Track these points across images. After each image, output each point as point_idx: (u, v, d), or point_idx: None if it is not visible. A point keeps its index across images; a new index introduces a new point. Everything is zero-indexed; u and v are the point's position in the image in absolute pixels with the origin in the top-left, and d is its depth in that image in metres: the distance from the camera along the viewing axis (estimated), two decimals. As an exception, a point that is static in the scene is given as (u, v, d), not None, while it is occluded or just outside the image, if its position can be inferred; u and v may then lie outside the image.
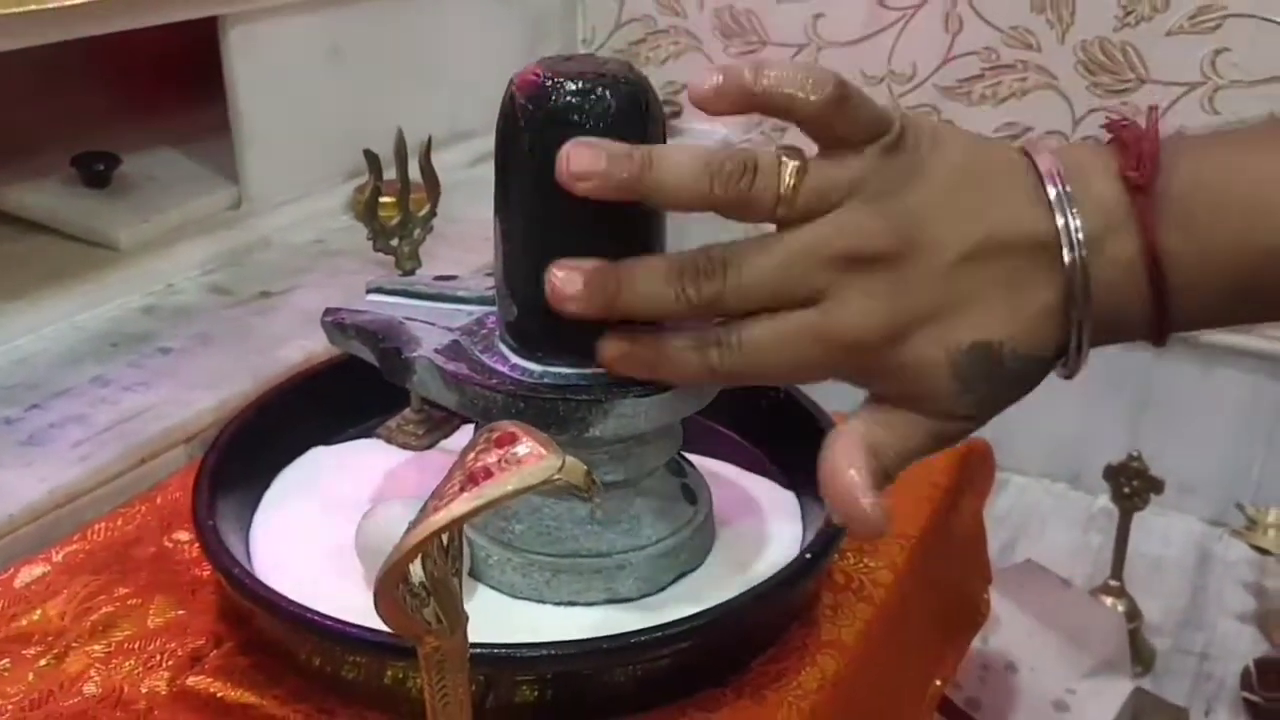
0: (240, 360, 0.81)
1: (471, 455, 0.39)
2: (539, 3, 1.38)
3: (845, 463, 0.42)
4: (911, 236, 0.40)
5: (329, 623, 0.51)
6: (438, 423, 0.72)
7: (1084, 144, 0.43)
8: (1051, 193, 0.40)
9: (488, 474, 0.38)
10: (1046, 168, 0.40)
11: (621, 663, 0.51)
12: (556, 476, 0.38)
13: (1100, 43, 1.21)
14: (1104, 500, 1.29)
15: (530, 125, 0.52)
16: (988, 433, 1.49)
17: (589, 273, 0.45)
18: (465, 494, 0.38)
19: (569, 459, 0.39)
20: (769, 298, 0.42)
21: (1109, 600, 1.07)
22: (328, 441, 0.70)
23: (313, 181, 1.08)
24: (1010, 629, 0.94)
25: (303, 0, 1.02)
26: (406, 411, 0.72)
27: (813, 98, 0.41)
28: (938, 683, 0.71)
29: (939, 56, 1.29)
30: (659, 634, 0.51)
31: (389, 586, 0.39)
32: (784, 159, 0.43)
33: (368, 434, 0.72)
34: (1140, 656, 1.06)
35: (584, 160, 0.44)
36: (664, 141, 0.55)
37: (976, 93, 1.29)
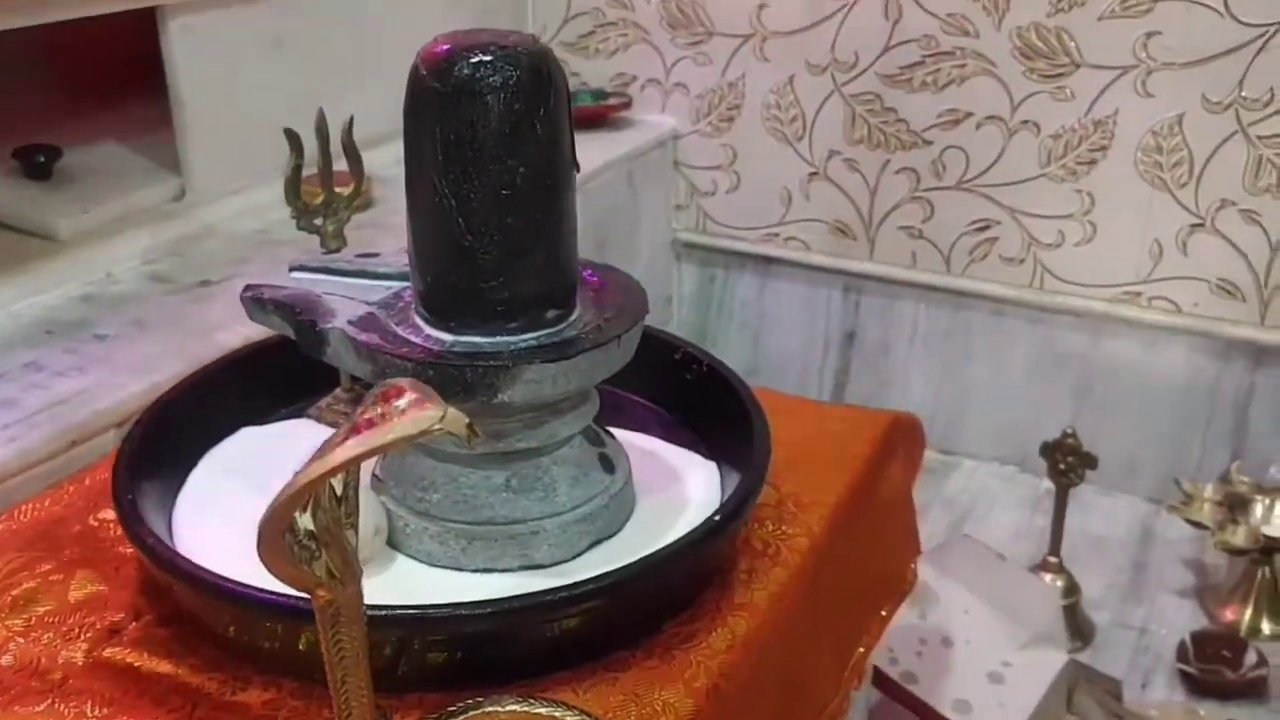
0: (176, 346, 0.81)
1: (361, 409, 0.40)
2: (488, -3, 1.39)
3: None
4: None
5: (241, 589, 0.52)
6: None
7: None
8: None
9: (370, 424, 0.39)
10: None
11: (530, 622, 0.52)
12: (437, 426, 0.39)
13: (1035, 28, 1.23)
14: (1049, 483, 1.31)
15: (435, 97, 0.53)
16: (942, 416, 1.51)
17: None
18: (348, 442, 0.39)
19: (451, 410, 0.40)
20: None
21: (1048, 576, 1.09)
22: (258, 421, 0.71)
23: (257, 173, 1.08)
24: (946, 604, 0.96)
25: (244, -8, 1.03)
26: (337, 391, 0.73)
27: None
28: (860, 650, 0.72)
29: (880, 45, 1.31)
30: (566, 593, 0.52)
31: (272, 533, 0.40)
32: None
33: (299, 414, 0.72)
34: (1079, 631, 1.08)
35: None
36: (569, 113, 0.56)
37: (917, 80, 1.31)
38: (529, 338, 0.56)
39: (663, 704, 0.52)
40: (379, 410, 0.40)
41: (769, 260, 1.46)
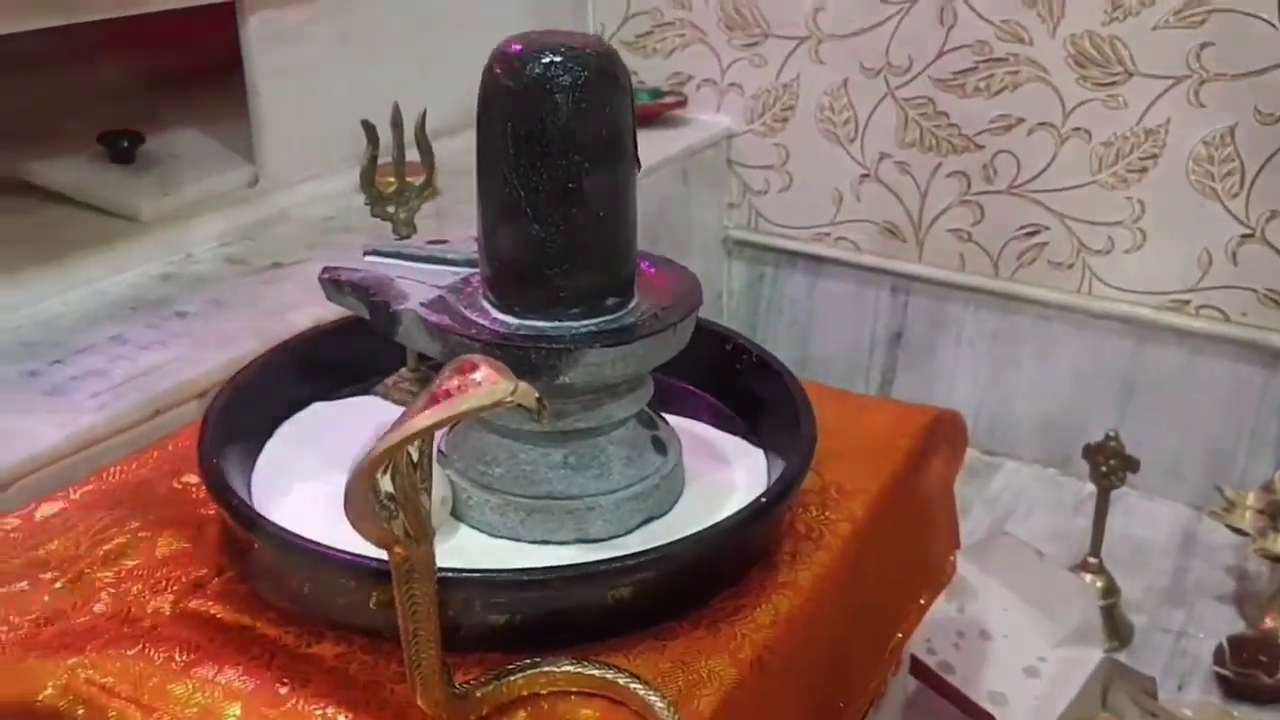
0: (251, 324, 0.86)
1: (438, 381, 0.44)
2: (550, -4, 1.43)
3: None
4: None
5: (318, 548, 0.55)
6: (430, 381, 0.77)
7: None
8: None
9: (448, 394, 0.43)
10: None
11: (587, 590, 0.56)
12: (509, 398, 0.42)
13: (1089, 36, 1.24)
14: (1093, 486, 1.32)
15: (507, 93, 0.56)
16: (986, 417, 1.52)
17: None
18: (427, 411, 0.42)
19: (522, 384, 0.43)
20: None
21: (1088, 576, 1.10)
22: (329, 397, 0.75)
23: (327, 162, 1.13)
24: (985, 598, 0.98)
25: (319, -13, 1.07)
26: (403, 370, 0.76)
27: None
28: (899, 635, 0.74)
29: (934, 49, 1.33)
30: (621, 564, 0.55)
31: (357, 493, 0.43)
32: None
33: (366, 392, 0.76)
34: (1117, 631, 1.09)
35: None
36: (632, 111, 0.59)
37: (970, 85, 1.32)
38: (589, 323, 0.59)
39: (708, 672, 0.55)
40: (455, 382, 0.43)
41: (819, 259, 1.48)
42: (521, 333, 0.58)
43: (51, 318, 0.85)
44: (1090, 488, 1.26)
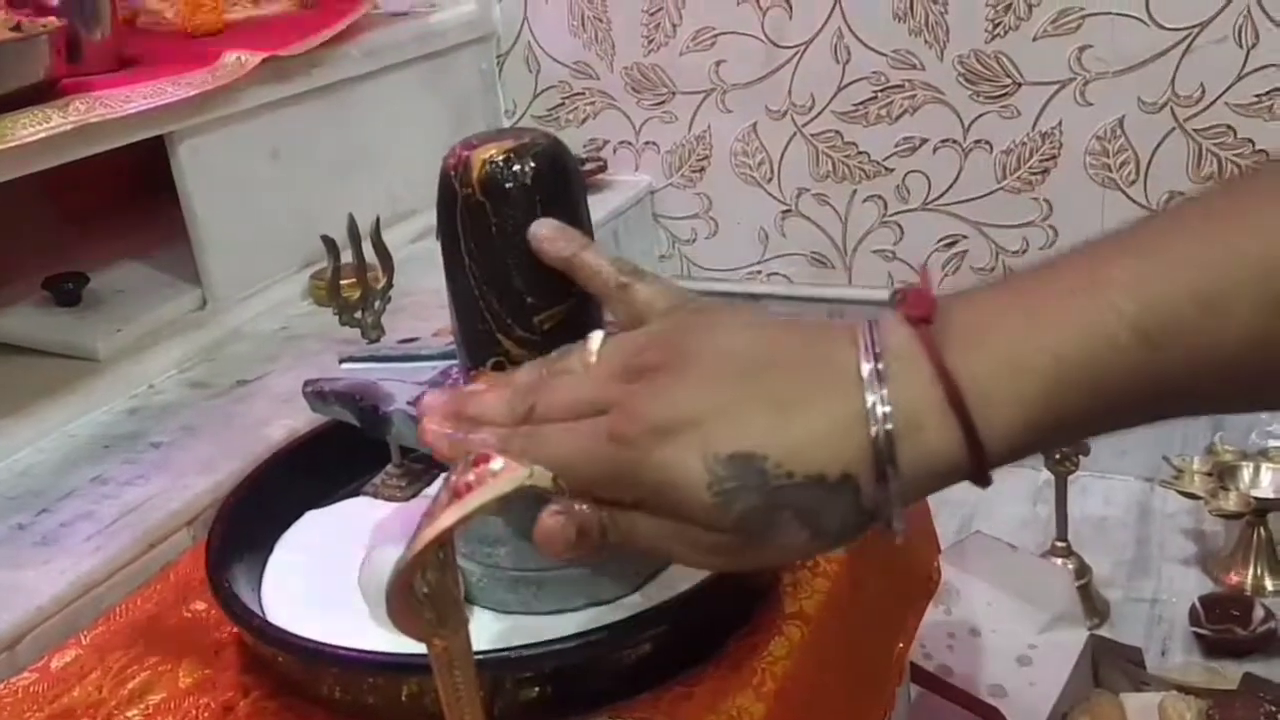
0: (228, 445, 0.87)
1: (454, 477, 0.46)
2: (460, 84, 1.47)
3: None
4: (684, 348, 0.42)
5: (345, 653, 0.57)
6: (417, 474, 0.79)
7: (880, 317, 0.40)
8: (854, 338, 0.39)
9: (469, 488, 0.45)
10: (840, 325, 0.40)
11: (609, 650, 0.58)
12: (528, 482, 0.45)
13: (975, 54, 1.32)
14: (1047, 474, 1.38)
15: (461, 198, 0.59)
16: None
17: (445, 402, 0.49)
18: (452, 507, 0.45)
19: (536, 468, 0.46)
20: (568, 410, 0.45)
21: (1059, 560, 1.15)
22: (320, 504, 0.76)
23: (270, 274, 1.15)
24: (968, 598, 1.02)
25: (241, 110, 1.10)
26: (389, 467, 0.78)
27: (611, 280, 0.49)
28: (900, 645, 0.78)
29: (833, 85, 1.39)
30: (637, 620, 0.58)
31: (399, 594, 0.45)
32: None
33: (355, 494, 0.78)
34: (1094, 608, 1.14)
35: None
36: (584, 196, 0.62)
37: (872, 114, 1.39)
38: (571, 397, 0.62)
39: (737, 710, 0.58)
40: (472, 475, 0.46)
41: (754, 297, 1.53)
42: (510, 417, 0.61)
43: (27, 468, 0.85)
44: (1046, 475, 1.32)
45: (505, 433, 0.47)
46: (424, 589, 0.47)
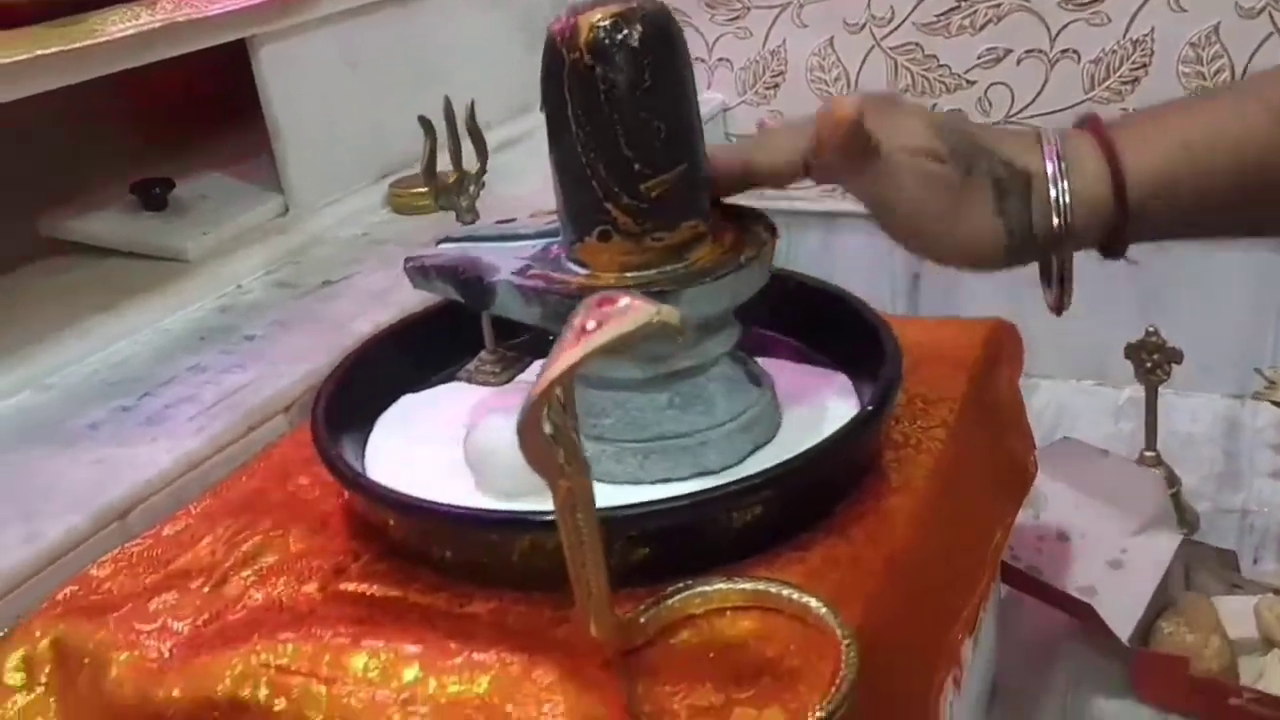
0: (318, 339, 0.88)
1: (578, 319, 0.46)
2: (529, 4, 1.46)
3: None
4: None
5: (461, 511, 0.58)
6: (511, 361, 0.79)
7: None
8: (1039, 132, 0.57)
9: (599, 324, 0.45)
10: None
11: (721, 511, 0.58)
12: (656, 319, 0.45)
13: (1066, -44, 1.28)
14: (1129, 391, 1.36)
15: (567, 64, 0.58)
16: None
17: None
18: (582, 340, 0.44)
19: (664, 306, 0.45)
20: None
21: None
22: (416, 388, 0.77)
23: (349, 183, 1.15)
24: (1057, 503, 1.01)
25: (319, 17, 1.10)
26: (482, 353, 0.79)
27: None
28: (999, 536, 0.77)
29: (915, -4, 1.36)
30: (749, 482, 0.58)
31: (530, 429, 0.45)
32: None
33: (449, 379, 0.78)
34: (1184, 519, 1.12)
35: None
36: (689, 64, 0.61)
37: (955, 24, 1.36)
38: (675, 268, 0.62)
39: (850, 575, 0.57)
40: (596, 315, 0.45)
41: (830, 215, 1.51)
42: (622, 283, 0.61)
43: (125, 359, 0.87)
44: (1127, 393, 1.30)
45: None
46: (549, 429, 0.47)
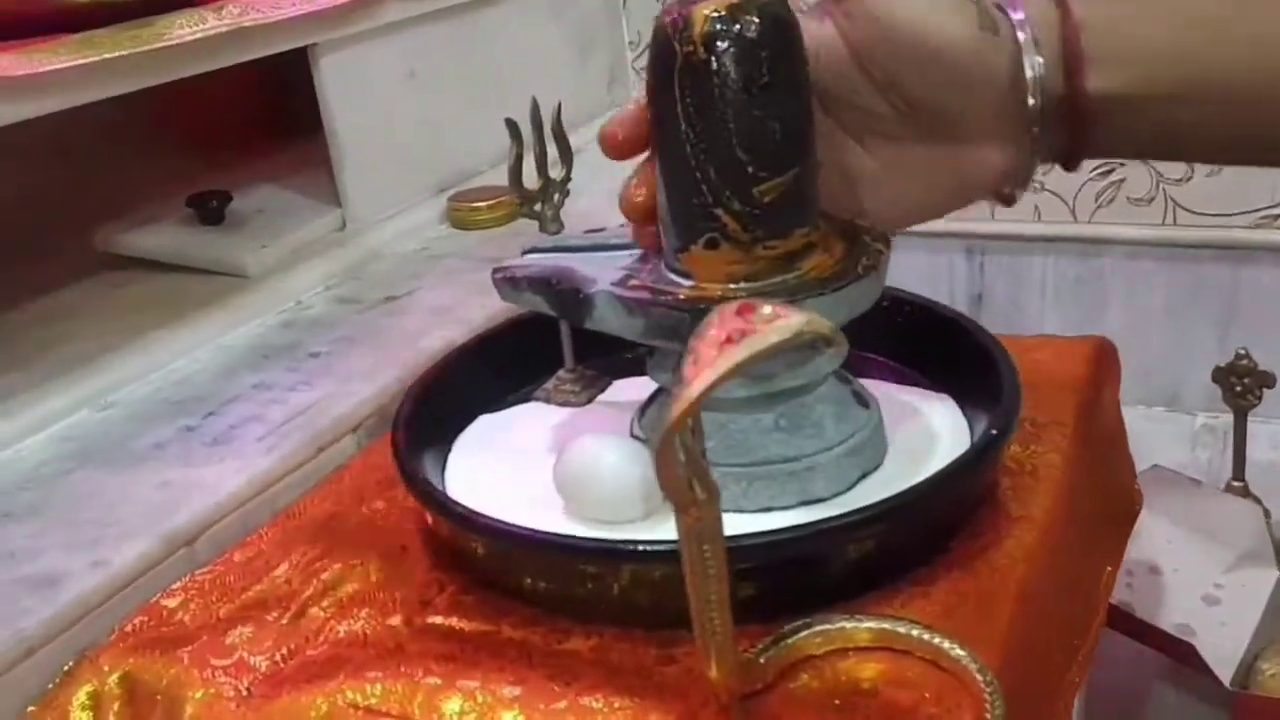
0: (386, 355, 0.84)
1: (714, 331, 0.42)
2: (584, 13, 1.43)
3: None
4: None
5: (560, 539, 0.54)
6: (591, 380, 0.75)
7: None
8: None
9: (742, 334, 0.41)
10: None
11: (833, 546, 0.54)
12: (808, 328, 0.41)
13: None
14: (1204, 418, 1.31)
15: (678, 58, 0.55)
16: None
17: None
18: (725, 353, 0.41)
19: (813, 315, 0.41)
20: None
21: (1236, 501, 1.08)
22: (493, 409, 0.73)
23: (406, 197, 1.12)
24: (1148, 534, 0.96)
25: (380, 25, 1.07)
26: (561, 372, 0.75)
27: None
28: (1109, 568, 0.73)
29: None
30: (863, 515, 0.54)
31: (665, 451, 0.42)
32: None
33: (524, 399, 0.75)
34: (1276, 552, 1.07)
35: None
36: (804, 59, 0.58)
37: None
38: (782, 279, 0.58)
39: (979, 611, 0.53)
40: (741, 324, 0.41)
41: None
42: (732, 294, 0.57)
43: (185, 377, 0.84)
44: (1201, 419, 1.25)
45: None
46: (681, 454, 0.43)
